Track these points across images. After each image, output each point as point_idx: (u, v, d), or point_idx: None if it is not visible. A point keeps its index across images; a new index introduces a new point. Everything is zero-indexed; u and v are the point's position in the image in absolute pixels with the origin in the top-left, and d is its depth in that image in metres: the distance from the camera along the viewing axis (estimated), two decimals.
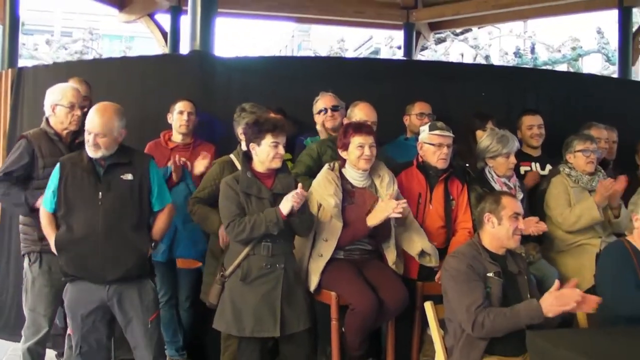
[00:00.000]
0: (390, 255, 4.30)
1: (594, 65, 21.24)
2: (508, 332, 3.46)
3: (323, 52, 25.88)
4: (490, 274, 3.60)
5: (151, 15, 10.51)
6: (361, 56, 26.20)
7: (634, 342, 3.19)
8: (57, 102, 4.38)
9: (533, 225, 4.31)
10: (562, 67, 19.06)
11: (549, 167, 5.28)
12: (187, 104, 5.06)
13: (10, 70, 6.41)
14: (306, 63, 7.43)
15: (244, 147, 4.48)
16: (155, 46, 10.97)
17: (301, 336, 4.03)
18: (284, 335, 3.95)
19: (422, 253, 4.28)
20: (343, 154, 4.28)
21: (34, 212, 4.20)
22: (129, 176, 3.92)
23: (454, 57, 23.66)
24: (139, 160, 4.05)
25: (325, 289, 4.16)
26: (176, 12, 10.25)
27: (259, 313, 3.91)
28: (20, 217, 4.47)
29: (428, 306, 3.80)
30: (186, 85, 5.49)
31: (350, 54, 27.62)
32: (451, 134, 4.57)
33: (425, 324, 4.38)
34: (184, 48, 10.47)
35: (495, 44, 21.42)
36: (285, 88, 5.52)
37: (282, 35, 47.08)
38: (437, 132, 4.53)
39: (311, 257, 4.21)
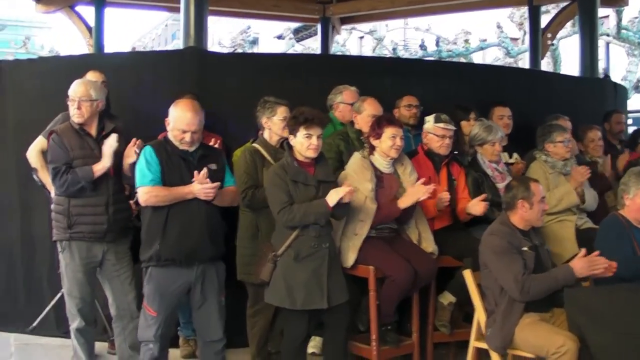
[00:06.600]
0: (413, 235, 4.86)
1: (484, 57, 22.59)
2: (545, 295, 4.09)
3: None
4: (525, 248, 4.21)
5: (72, 7, 10.27)
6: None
7: None
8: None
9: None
10: (459, 60, 20.16)
11: (515, 155, 5.96)
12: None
13: None
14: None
15: (265, 136, 4.90)
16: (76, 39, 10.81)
17: (343, 307, 4.48)
18: (329, 307, 4.39)
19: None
20: (375, 142, 4.76)
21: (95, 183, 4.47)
22: (214, 166, 4.30)
23: (352, 48, 24.48)
24: (214, 151, 4.54)
25: (361, 264, 4.64)
26: (100, 4, 10.13)
27: (308, 288, 4.34)
28: (53, 204, 4.64)
29: (468, 274, 4.38)
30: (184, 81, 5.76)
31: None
32: (453, 127, 5.18)
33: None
34: (109, 41, 10.35)
35: (389, 35, 22.33)
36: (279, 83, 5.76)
37: (155, 24, 46.36)
38: (441, 124, 5.13)
39: (344, 235, 4.69)
